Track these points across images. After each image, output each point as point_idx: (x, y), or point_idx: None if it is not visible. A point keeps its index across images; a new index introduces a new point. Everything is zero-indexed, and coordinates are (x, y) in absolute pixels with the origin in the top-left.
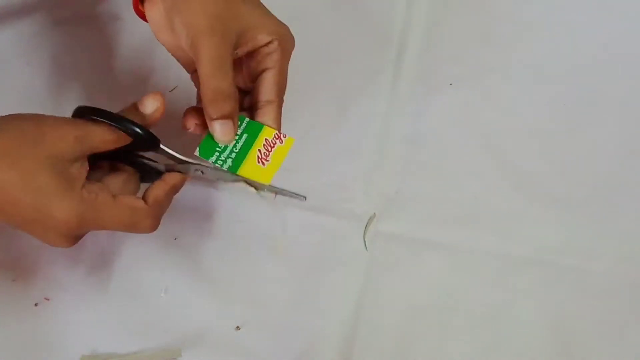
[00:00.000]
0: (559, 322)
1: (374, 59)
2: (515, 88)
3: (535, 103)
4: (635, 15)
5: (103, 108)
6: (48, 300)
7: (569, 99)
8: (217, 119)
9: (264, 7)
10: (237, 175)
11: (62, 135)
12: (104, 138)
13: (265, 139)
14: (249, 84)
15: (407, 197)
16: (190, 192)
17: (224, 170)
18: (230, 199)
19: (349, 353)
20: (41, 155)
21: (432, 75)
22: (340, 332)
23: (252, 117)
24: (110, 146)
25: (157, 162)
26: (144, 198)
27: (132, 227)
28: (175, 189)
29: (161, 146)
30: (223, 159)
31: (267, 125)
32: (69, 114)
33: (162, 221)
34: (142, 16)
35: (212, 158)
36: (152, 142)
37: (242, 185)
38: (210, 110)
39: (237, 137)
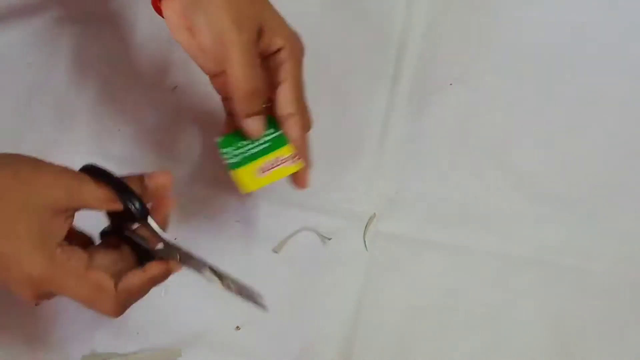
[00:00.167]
0: (559, 322)
1: (374, 59)
2: (515, 88)
3: (535, 103)
4: (636, 15)
5: (111, 172)
6: (37, 305)
7: (569, 99)
8: (249, 115)
9: (275, 9)
10: (231, 172)
11: (54, 184)
12: (96, 196)
13: (280, 155)
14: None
15: (407, 197)
16: (190, 192)
17: (203, 264)
18: (230, 200)
19: (349, 353)
20: (28, 201)
21: (432, 75)
22: (340, 332)
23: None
24: (101, 207)
25: (148, 244)
26: (117, 282)
27: (93, 305)
28: (154, 281)
29: (148, 219)
30: (234, 154)
31: (291, 143)
32: (69, 113)
33: None
34: (160, 12)
35: (226, 150)
36: (140, 215)
37: (208, 272)
38: (244, 107)
39: (260, 142)
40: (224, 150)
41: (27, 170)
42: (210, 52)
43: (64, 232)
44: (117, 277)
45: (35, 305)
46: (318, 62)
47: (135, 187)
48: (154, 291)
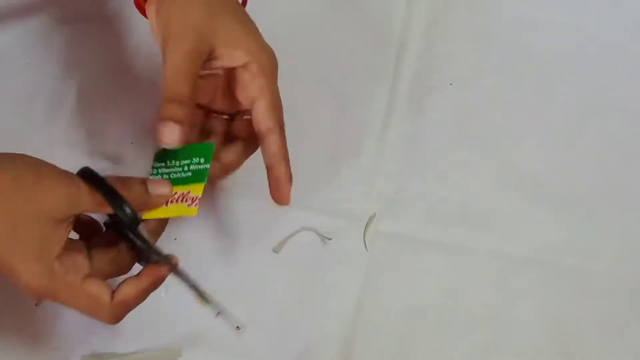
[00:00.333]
0: (559, 322)
1: (374, 59)
2: (515, 88)
3: (535, 103)
4: (636, 15)
5: (104, 176)
6: (37, 306)
7: (569, 99)
8: (164, 119)
9: (250, 25)
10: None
11: (55, 192)
12: (94, 201)
13: (188, 191)
14: (233, 109)
15: (407, 197)
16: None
17: (194, 286)
18: (230, 200)
19: (349, 353)
20: (28, 209)
21: (432, 75)
22: (340, 332)
23: (258, 147)
24: (99, 211)
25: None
26: (114, 292)
27: (90, 315)
28: (149, 290)
29: (139, 228)
30: (158, 172)
31: (204, 184)
32: (67, 113)
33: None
34: (144, 13)
35: (156, 164)
36: (130, 222)
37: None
38: (162, 110)
39: (185, 169)
40: (155, 164)
41: (27, 174)
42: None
43: (63, 241)
44: (116, 273)
45: (36, 305)
46: (318, 62)
47: (135, 190)
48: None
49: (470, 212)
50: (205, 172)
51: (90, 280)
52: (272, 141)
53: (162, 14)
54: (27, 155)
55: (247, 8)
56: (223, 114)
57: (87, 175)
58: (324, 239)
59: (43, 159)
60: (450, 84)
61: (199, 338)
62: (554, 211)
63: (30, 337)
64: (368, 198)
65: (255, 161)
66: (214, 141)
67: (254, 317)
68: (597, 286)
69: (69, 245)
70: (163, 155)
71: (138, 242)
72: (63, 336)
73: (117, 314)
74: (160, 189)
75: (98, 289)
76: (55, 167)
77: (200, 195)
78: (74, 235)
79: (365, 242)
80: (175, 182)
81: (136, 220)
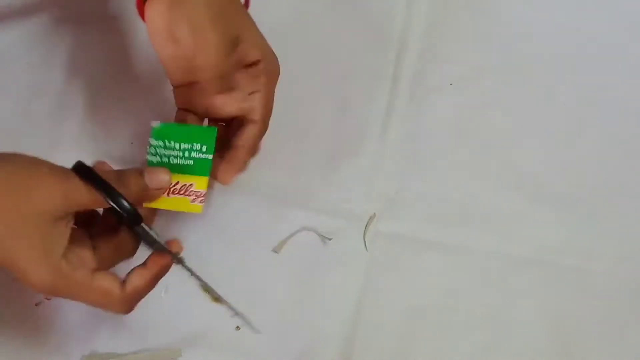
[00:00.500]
0: (559, 322)
1: (374, 59)
2: (515, 88)
3: (535, 103)
4: (636, 15)
5: (99, 170)
6: (48, 300)
7: (569, 99)
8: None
9: (257, 26)
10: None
11: (52, 191)
12: (90, 198)
13: (192, 183)
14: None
15: (407, 197)
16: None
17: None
18: (230, 199)
19: (349, 353)
20: (28, 211)
21: (432, 75)
22: (340, 332)
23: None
24: (95, 206)
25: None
26: (124, 282)
27: (102, 308)
28: (158, 277)
29: (142, 225)
30: (157, 152)
31: (209, 178)
32: (67, 114)
33: (162, 222)
34: (143, 14)
35: (155, 142)
36: (134, 220)
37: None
38: (213, 86)
39: (186, 155)
40: (154, 142)
41: (20, 175)
42: (183, 59)
43: (66, 239)
44: (121, 260)
45: (36, 305)
46: (318, 62)
47: (132, 183)
48: (154, 291)
49: (470, 212)
50: (208, 164)
51: (99, 275)
52: (250, 129)
53: (184, 7)
54: (19, 155)
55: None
56: (219, 120)
57: (81, 170)
58: (324, 239)
59: (43, 159)
60: (450, 84)
61: (199, 338)
62: (554, 211)
63: (31, 337)
64: (368, 198)
65: (256, 161)
66: (215, 127)
67: (254, 317)
68: (597, 286)
69: (73, 239)
70: (162, 133)
71: (141, 237)
72: (63, 336)
73: (129, 304)
74: (158, 178)
75: (108, 283)
76: (49, 164)
77: (205, 191)
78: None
79: (365, 242)
80: (175, 169)
81: (137, 216)
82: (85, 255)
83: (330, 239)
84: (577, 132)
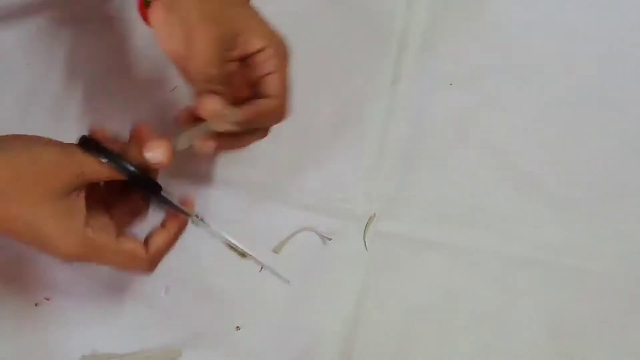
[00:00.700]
0: (559, 322)
1: (374, 59)
2: (515, 88)
3: (535, 103)
4: (635, 15)
5: (107, 141)
6: (48, 300)
7: (569, 99)
8: (201, 95)
9: (259, 14)
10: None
11: (59, 169)
12: (99, 171)
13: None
14: (244, 93)
15: (407, 197)
16: (190, 193)
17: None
18: (230, 199)
19: (349, 353)
20: (40, 191)
21: (432, 75)
22: (340, 332)
23: (264, 135)
24: (106, 178)
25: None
26: (146, 244)
27: (128, 270)
28: (177, 236)
29: (162, 193)
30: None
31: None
32: (67, 114)
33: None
34: (147, 19)
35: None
36: (152, 187)
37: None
38: (197, 89)
39: None
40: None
41: (29, 162)
42: (181, 62)
43: (83, 209)
44: (136, 221)
45: (36, 305)
46: (318, 62)
47: (136, 152)
48: (154, 291)
49: (470, 212)
50: None
51: (123, 238)
52: (265, 102)
53: (177, 10)
54: (19, 137)
55: None
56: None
57: (87, 143)
58: (324, 239)
59: (48, 137)
60: (450, 84)
61: (199, 338)
62: (554, 211)
63: (31, 336)
64: (368, 198)
65: (256, 161)
66: None
67: (254, 317)
68: (597, 286)
69: (89, 208)
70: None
71: (160, 202)
72: (63, 336)
73: (153, 264)
74: (155, 153)
75: (133, 245)
76: (51, 141)
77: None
78: None
79: (365, 242)
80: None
81: (156, 184)
82: (105, 221)
83: (330, 239)
84: (577, 132)
